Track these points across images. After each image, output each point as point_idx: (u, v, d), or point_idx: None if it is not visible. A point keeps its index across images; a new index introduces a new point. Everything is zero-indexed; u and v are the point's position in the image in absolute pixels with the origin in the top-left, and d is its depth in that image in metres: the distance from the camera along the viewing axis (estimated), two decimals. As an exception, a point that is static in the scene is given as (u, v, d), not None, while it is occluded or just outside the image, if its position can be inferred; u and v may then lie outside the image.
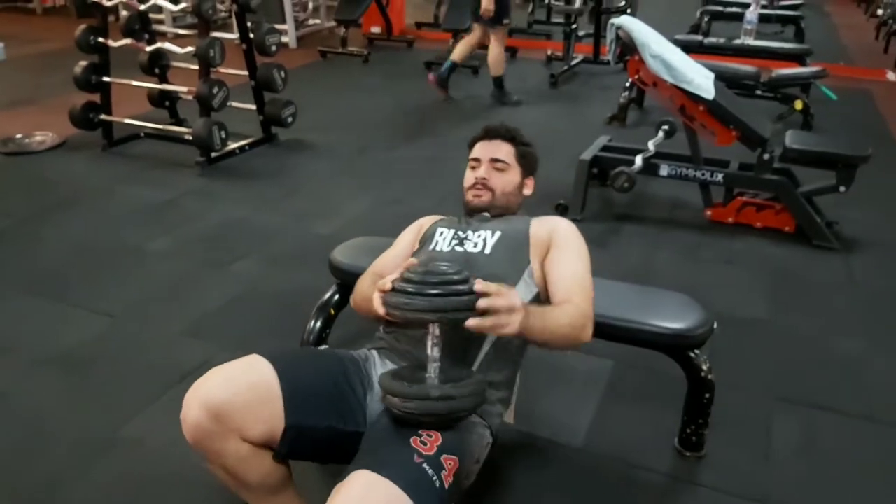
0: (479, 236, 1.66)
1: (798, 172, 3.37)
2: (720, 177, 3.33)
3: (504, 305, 1.28)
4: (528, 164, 1.84)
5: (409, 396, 1.28)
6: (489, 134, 1.84)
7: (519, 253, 1.63)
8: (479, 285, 1.27)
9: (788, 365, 2.34)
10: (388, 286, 1.30)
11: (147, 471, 1.82)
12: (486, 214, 1.77)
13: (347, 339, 2.20)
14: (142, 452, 1.89)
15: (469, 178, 1.82)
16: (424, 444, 1.25)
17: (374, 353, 1.58)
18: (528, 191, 1.86)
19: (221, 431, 1.27)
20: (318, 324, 2.05)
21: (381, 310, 1.32)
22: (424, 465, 1.21)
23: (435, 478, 1.21)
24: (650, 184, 3.70)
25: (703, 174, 3.35)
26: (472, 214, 1.80)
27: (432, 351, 1.30)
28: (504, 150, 1.80)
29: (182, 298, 2.68)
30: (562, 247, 1.63)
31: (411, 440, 1.26)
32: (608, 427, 2.04)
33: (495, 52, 5.30)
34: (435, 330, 1.29)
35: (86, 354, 2.32)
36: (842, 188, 3.14)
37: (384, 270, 1.64)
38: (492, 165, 1.78)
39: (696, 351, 1.82)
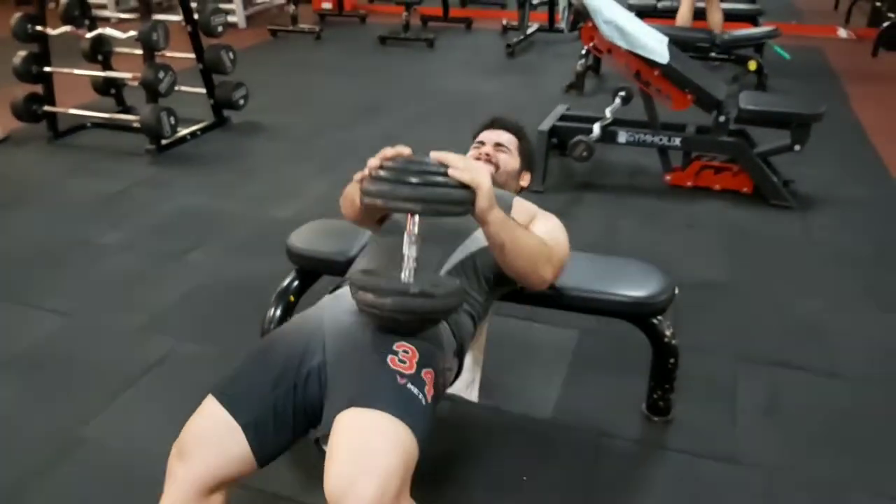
0: None
1: (754, 133, 3.40)
2: (678, 141, 3.34)
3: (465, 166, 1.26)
4: (527, 158, 1.93)
5: (385, 292, 1.18)
6: (496, 123, 1.93)
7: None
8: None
9: (751, 326, 2.37)
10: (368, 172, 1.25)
11: (110, 471, 1.78)
12: None
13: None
14: (104, 453, 1.84)
15: (472, 155, 1.86)
16: (403, 362, 1.21)
17: (328, 296, 1.52)
18: (524, 182, 1.93)
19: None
20: (278, 312, 2.00)
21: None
22: (409, 386, 1.18)
23: (420, 395, 1.19)
24: (609, 151, 3.70)
25: (660, 139, 3.36)
26: None
27: (409, 248, 1.22)
28: (507, 138, 1.89)
29: (138, 292, 2.60)
30: (547, 220, 1.66)
31: (388, 360, 1.21)
32: (576, 397, 2.04)
33: None
34: (413, 227, 1.21)
35: (41, 355, 2.24)
36: (796, 147, 3.16)
37: None
38: (496, 148, 1.86)
39: (659, 317, 1.82)
